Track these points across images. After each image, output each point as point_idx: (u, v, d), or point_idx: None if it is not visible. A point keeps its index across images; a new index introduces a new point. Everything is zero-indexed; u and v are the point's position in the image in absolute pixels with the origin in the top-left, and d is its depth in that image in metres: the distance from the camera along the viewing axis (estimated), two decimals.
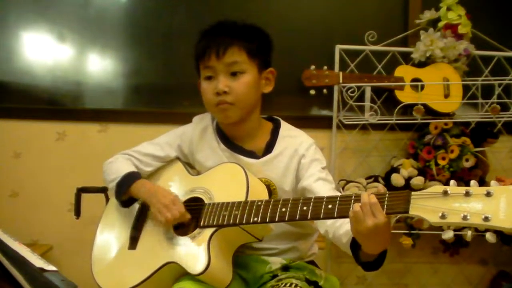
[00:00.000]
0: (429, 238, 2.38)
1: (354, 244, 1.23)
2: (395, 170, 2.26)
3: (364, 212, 1.11)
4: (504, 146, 2.42)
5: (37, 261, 0.82)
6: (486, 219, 0.99)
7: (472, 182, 1.07)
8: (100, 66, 2.45)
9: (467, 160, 2.22)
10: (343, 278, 2.40)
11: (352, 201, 1.16)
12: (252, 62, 1.45)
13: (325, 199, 1.21)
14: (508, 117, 2.31)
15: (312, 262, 1.55)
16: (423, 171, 2.25)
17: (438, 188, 1.07)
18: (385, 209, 1.11)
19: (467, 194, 1.04)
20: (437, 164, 2.21)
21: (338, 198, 1.20)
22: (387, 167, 2.38)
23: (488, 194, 1.03)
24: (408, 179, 2.22)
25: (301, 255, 1.52)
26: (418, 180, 2.20)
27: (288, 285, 1.36)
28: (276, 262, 1.47)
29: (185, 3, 2.45)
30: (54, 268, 0.81)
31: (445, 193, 1.06)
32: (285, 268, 1.47)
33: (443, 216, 1.04)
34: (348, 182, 2.28)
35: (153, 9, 2.44)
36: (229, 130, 1.51)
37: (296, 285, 1.36)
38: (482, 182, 2.32)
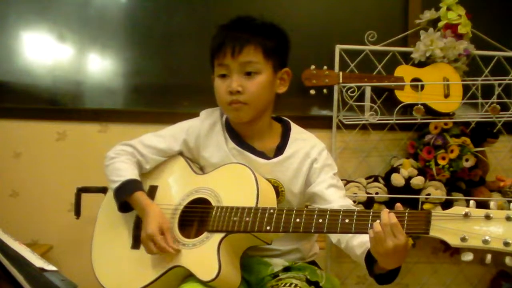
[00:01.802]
0: (429, 238, 2.36)
1: (369, 258, 1.22)
2: (395, 170, 2.26)
3: (385, 233, 1.11)
4: (504, 146, 2.43)
5: (37, 261, 0.82)
6: (506, 244, 1.00)
7: (492, 204, 1.06)
8: (100, 66, 2.45)
9: (467, 160, 2.22)
10: (343, 278, 2.40)
11: (370, 218, 1.15)
12: (268, 62, 1.43)
13: (341, 212, 1.20)
14: (508, 117, 2.31)
15: (313, 263, 1.55)
16: (423, 171, 2.24)
17: (459, 209, 1.07)
18: (404, 229, 1.11)
19: (487, 217, 1.04)
20: (437, 164, 2.21)
21: (356, 213, 1.19)
22: (387, 167, 2.38)
23: (509, 219, 1.02)
24: (408, 179, 2.22)
25: (303, 256, 1.52)
26: (418, 180, 2.20)
27: (288, 285, 1.35)
28: (278, 264, 1.46)
29: (184, 3, 2.45)
30: (54, 268, 0.81)
31: (466, 215, 1.05)
32: (287, 269, 1.46)
33: (463, 239, 1.05)
34: (348, 182, 2.28)
35: (153, 9, 2.44)
36: (240, 128, 1.50)
37: (296, 285, 1.35)
38: (482, 182, 2.33)
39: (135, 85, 2.45)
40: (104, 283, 1.41)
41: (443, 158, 2.21)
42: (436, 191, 2.20)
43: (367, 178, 2.32)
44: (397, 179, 2.22)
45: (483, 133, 2.30)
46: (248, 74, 1.41)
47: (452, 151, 2.20)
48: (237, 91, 1.40)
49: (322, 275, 1.47)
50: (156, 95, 2.45)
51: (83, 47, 2.42)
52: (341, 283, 2.37)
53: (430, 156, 2.23)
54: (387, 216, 1.11)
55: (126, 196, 1.43)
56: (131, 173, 1.46)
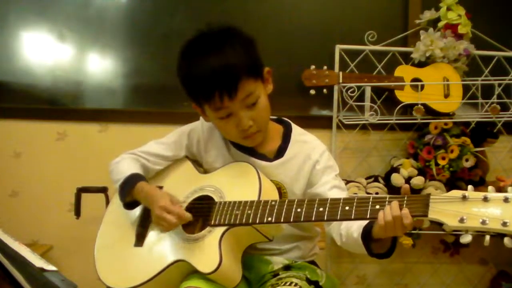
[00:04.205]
0: (429, 238, 2.38)
1: (366, 236, 1.24)
2: (395, 170, 2.26)
3: (396, 225, 1.13)
4: (504, 146, 2.43)
5: (37, 261, 0.82)
6: (504, 224, 1.01)
7: (490, 187, 1.07)
8: (100, 66, 2.45)
9: (467, 160, 2.22)
10: (343, 278, 2.40)
11: (370, 203, 1.17)
12: (257, 79, 1.38)
13: (342, 200, 1.21)
14: (508, 117, 2.31)
15: (313, 262, 1.55)
16: (423, 171, 2.24)
17: (456, 192, 1.08)
18: None
19: (485, 199, 1.05)
20: (437, 164, 2.21)
21: (356, 200, 1.20)
22: (387, 167, 2.38)
23: (506, 200, 1.03)
24: (408, 179, 2.22)
25: (303, 255, 1.52)
26: (418, 180, 2.20)
27: (288, 283, 1.36)
28: (278, 262, 1.47)
29: (184, 3, 2.45)
30: (54, 268, 0.81)
31: (464, 197, 1.06)
32: (287, 267, 1.47)
33: (461, 220, 1.05)
34: (348, 182, 2.29)
35: (153, 9, 2.44)
36: None
37: (296, 284, 1.36)
38: (482, 182, 2.33)
39: (135, 85, 2.45)
40: (105, 281, 1.42)
41: (443, 158, 2.21)
42: (436, 191, 2.20)
43: (367, 178, 2.32)
44: (397, 179, 2.22)
45: (483, 133, 2.30)
46: (250, 104, 1.37)
47: (452, 151, 2.20)
48: (249, 125, 1.38)
49: (322, 275, 1.48)
50: (156, 95, 2.45)
51: (83, 47, 2.42)
52: (341, 283, 2.37)
53: (430, 156, 2.23)
54: (397, 207, 1.13)
55: (130, 189, 1.44)
56: (133, 169, 1.48)
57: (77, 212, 2.01)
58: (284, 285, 1.36)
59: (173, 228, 1.36)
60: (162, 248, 1.39)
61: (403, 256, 2.44)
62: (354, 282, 2.45)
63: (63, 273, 0.81)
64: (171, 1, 2.44)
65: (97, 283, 1.44)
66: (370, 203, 1.17)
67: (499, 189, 2.34)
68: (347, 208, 1.19)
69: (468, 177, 2.28)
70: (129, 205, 1.48)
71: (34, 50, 2.41)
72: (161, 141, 1.56)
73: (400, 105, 2.21)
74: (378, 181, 2.27)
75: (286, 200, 1.29)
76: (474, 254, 2.46)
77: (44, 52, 2.40)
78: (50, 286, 0.77)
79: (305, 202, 1.25)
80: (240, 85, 1.32)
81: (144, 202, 1.45)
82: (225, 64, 1.31)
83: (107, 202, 1.85)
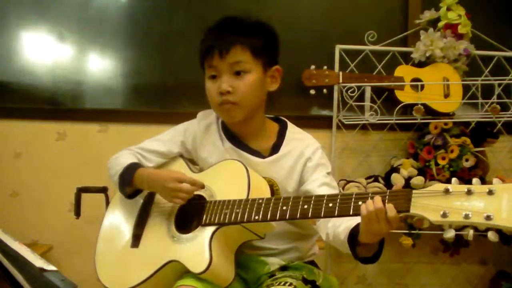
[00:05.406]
0: (429, 238, 2.38)
1: (352, 240, 1.23)
2: (395, 170, 2.26)
3: (380, 218, 1.11)
4: (504, 146, 2.42)
5: (37, 261, 0.82)
6: (488, 218, 0.98)
7: (474, 180, 1.06)
8: (100, 66, 2.45)
9: (467, 160, 2.22)
10: (343, 278, 2.40)
11: (353, 200, 1.17)
12: (257, 61, 1.43)
13: (325, 197, 1.22)
14: (508, 117, 2.31)
15: (312, 263, 1.55)
16: (423, 171, 2.25)
17: (439, 186, 1.06)
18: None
19: (469, 192, 1.03)
20: (437, 164, 2.21)
21: (339, 197, 1.20)
22: (387, 167, 2.38)
23: (490, 193, 1.01)
24: (408, 179, 2.22)
25: (301, 256, 1.52)
26: (418, 180, 2.20)
27: (283, 283, 1.36)
28: (274, 263, 1.46)
29: (184, 3, 2.45)
30: (54, 268, 0.81)
31: (447, 191, 1.04)
32: (284, 268, 1.47)
33: (444, 215, 1.02)
34: (348, 182, 2.28)
35: (152, 9, 2.44)
36: (235, 128, 1.51)
37: (291, 283, 1.35)
38: (482, 182, 2.32)
39: (135, 85, 2.45)
40: (103, 280, 1.43)
41: (443, 158, 2.21)
42: None
43: (367, 178, 2.32)
44: (397, 179, 2.22)
45: (483, 133, 2.30)
46: (238, 73, 1.42)
47: (452, 151, 2.20)
48: (227, 91, 1.41)
49: (320, 274, 1.47)
50: (156, 95, 2.46)
51: (83, 47, 2.42)
52: (341, 283, 2.37)
53: (430, 156, 2.23)
54: (380, 201, 1.12)
55: (130, 178, 1.45)
56: (130, 160, 1.50)
57: (77, 212, 2.00)
58: (278, 285, 1.36)
59: (190, 197, 1.38)
60: (156, 248, 1.40)
61: (403, 256, 2.44)
62: (354, 282, 2.45)
63: (63, 273, 0.81)
64: (171, 1, 2.44)
65: (97, 283, 1.44)
66: (353, 199, 1.17)
67: None
68: (330, 205, 1.19)
69: (468, 177, 2.27)
70: (130, 195, 1.49)
71: (34, 50, 2.41)
72: (156, 138, 1.58)
73: (400, 105, 2.22)
74: (378, 181, 2.27)
75: (273, 198, 1.30)
76: (474, 254, 2.46)
77: (44, 52, 2.40)
78: (50, 286, 0.77)
79: (291, 199, 1.26)
80: (233, 48, 1.40)
81: (147, 186, 1.46)
82: (235, 31, 1.42)
83: (107, 202, 1.84)
